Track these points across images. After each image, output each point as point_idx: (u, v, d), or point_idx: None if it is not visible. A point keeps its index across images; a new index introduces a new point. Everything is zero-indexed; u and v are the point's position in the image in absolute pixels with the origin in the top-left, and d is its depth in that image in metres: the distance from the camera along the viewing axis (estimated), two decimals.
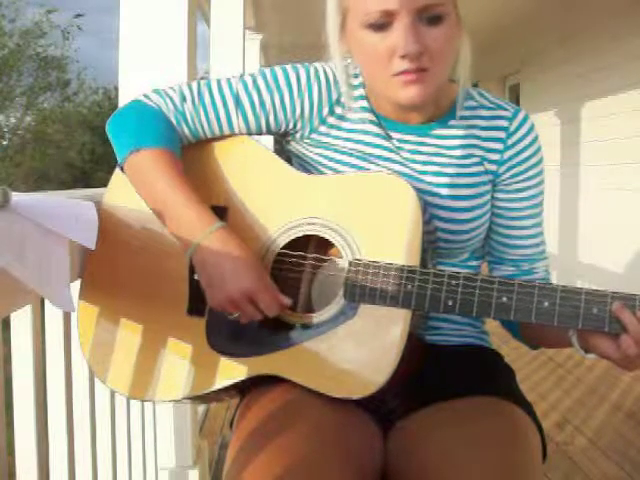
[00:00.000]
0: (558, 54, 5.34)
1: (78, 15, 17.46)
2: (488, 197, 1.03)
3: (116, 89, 15.62)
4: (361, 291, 0.91)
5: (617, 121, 4.45)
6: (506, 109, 1.03)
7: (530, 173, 1.03)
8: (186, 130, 1.02)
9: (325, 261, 1.00)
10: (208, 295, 0.95)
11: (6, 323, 0.91)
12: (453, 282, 0.88)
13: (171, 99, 1.02)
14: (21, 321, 0.93)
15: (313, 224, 0.96)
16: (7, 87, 15.99)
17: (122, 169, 1.02)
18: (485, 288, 0.87)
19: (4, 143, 16.35)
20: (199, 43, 1.70)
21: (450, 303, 0.88)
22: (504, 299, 0.86)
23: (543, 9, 4.66)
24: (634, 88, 4.21)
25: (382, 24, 0.89)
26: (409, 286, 0.89)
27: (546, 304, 0.85)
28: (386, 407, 0.99)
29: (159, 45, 1.53)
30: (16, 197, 0.80)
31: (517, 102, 6.24)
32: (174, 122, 1.01)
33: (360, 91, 1.03)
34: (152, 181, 0.97)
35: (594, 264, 4.79)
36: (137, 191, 1.00)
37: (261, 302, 0.93)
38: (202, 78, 1.11)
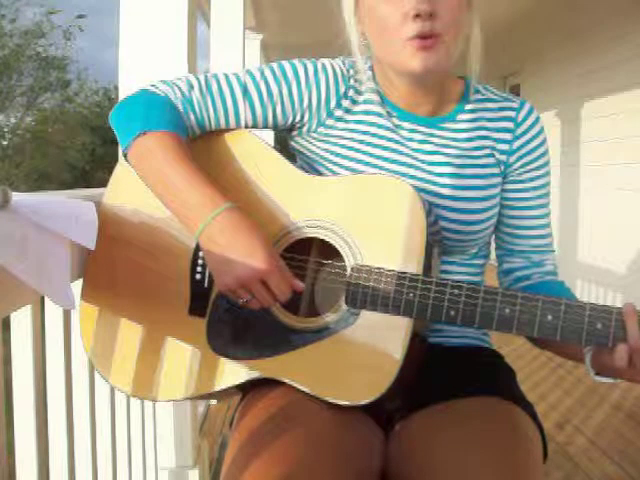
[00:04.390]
0: (558, 54, 5.33)
1: (80, 16, 17.47)
2: (499, 189, 1.04)
3: (116, 89, 15.60)
4: (363, 297, 0.91)
5: (617, 121, 4.44)
6: (513, 101, 1.06)
7: (538, 163, 1.05)
8: (192, 118, 1.01)
9: (327, 265, 0.99)
10: (216, 278, 0.92)
11: (6, 323, 0.91)
12: (456, 292, 0.87)
13: (179, 87, 1.01)
14: (21, 321, 0.93)
15: (315, 227, 0.96)
16: (7, 87, 15.99)
17: (125, 156, 0.99)
18: (488, 299, 0.86)
19: (4, 143, 16.35)
20: (199, 43, 1.70)
21: (452, 313, 0.87)
22: (507, 310, 0.85)
23: (544, 9, 4.66)
24: (634, 88, 4.21)
25: None
26: (410, 295, 0.88)
27: (549, 317, 0.83)
28: (387, 409, 0.98)
29: (159, 45, 1.53)
30: (16, 197, 0.80)
31: None
32: (181, 109, 1.00)
33: (370, 84, 1.04)
34: (159, 163, 0.94)
35: (594, 264, 4.78)
36: (141, 176, 0.98)
37: (273, 284, 0.90)
38: None
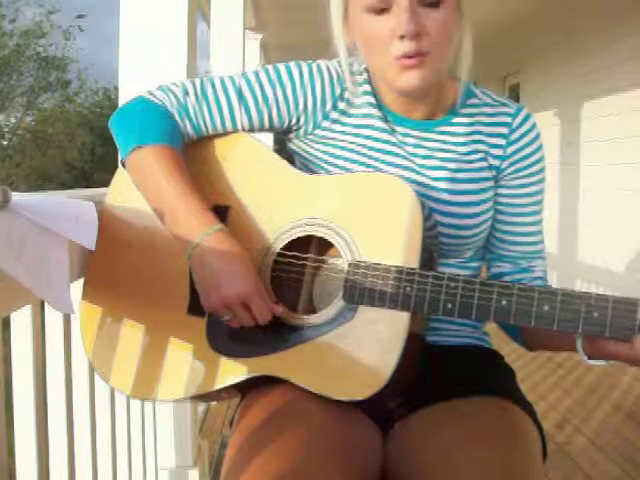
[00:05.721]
0: (558, 54, 5.34)
1: (80, 16, 17.48)
2: (492, 193, 1.04)
3: (116, 89, 15.62)
4: (360, 293, 0.91)
5: (617, 121, 4.45)
6: (509, 106, 1.05)
7: (532, 170, 1.04)
8: (188, 125, 1.02)
9: (325, 261, 1.00)
10: (202, 296, 0.94)
11: (6, 323, 0.91)
12: (452, 284, 0.87)
13: (174, 94, 1.02)
14: (21, 321, 0.93)
15: (314, 224, 0.96)
16: (7, 87, 16.00)
17: (124, 165, 1.01)
18: (485, 291, 0.86)
19: (4, 143, 16.36)
20: (199, 43, 1.70)
21: (449, 306, 0.88)
22: (504, 302, 0.85)
23: (543, 9, 4.66)
24: (634, 88, 4.21)
25: (382, 7, 0.91)
26: (408, 288, 0.89)
27: (546, 308, 0.84)
28: (386, 407, 0.99)
29: (159, 45, 1.53)
30: (16, 197, 0.80)
31: (517, 102, 6.23)
32: (177, 117, 1.01)
33: (366, 87, 1.04)
34: (153, 179, 0.96)
35: (594, 264, 4.79)
36: (137, 188, 1.00)
37: (254, 307, 0.92)
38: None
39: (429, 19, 0.90)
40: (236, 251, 0.93)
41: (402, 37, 0.90)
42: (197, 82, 1.03)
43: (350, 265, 0.92)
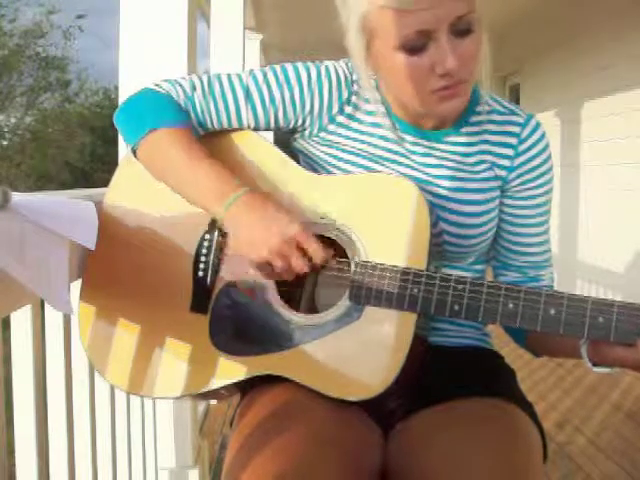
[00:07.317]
0: (558, 54, 5.33)
1: (80, 16, 17.46)
2: (497, 202, 1.03)
3: (116, 89, 15.60)
4: (367, 293, 0.91)
5: (617, 121, 4.44)
6: (519, 115, 1.03)
7: (539, 181, 1.02)
8: (194, 119, 1.01)
9: (330, 262, 0.99)
10: (251, 254, 0.91)
11: (6, 323, 0.91)
12: (459, 287, 0.88)
13: (181, 87, 1.02)
14: (21, 321, 0.93)
15: (320, 224, 0.96)
16: (7, 87, 15.99)
17: (134, 153, 1.00)
18: (492, 294, 0.86)
19: (4, 143, 16.35)
20: (199, 43, 1.70)
21: (456, 308, 0.88)
22: (510, 305, 0.86)
23: (543, 9, 4.66)
24: (634, 88, 4.21)
25: (419, 46, 0.87)
26: (415, 290, 0.89)
27: (552, 312, 0.84)
28: (387, 408, 0.99)
29: (159, 45, 1.53)
30: (16, 197, 0.80)
31: (517, 102, 6.23)
32: (184, 109, 1.01)
33: (375, 94, 1.02)
34: (174, 155, 0.96)
35: (594, 264, 4.78)
36: (155, 169, 1.00)
37: (309, 247, 0.90)
38: None
39: (464, 49, 0.88)
40: (275, 202, 0.93)
41: (444, 75, 0.88)
42: (204, 78, 1.03)
43: (357, 265, 0.92)
